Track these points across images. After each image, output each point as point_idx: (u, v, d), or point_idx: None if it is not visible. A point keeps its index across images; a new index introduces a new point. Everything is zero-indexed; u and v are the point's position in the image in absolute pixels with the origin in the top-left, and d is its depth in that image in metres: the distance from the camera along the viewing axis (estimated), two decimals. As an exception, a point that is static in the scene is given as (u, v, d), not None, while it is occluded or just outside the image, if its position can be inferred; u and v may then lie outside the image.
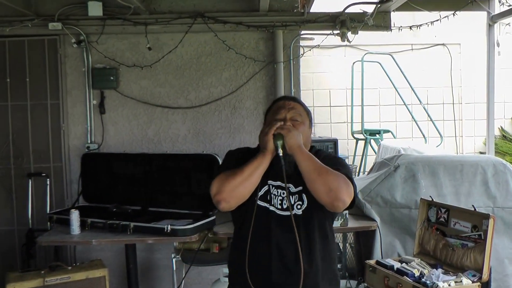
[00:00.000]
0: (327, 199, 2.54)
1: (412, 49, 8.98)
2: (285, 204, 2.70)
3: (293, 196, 2.71)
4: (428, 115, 8.32)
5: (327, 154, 2.86)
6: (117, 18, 5.70)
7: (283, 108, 2.82)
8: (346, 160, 8.16)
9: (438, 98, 9.05)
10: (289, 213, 2.64)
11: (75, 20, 5.70)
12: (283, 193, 2.71)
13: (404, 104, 8.27)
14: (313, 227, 2.69)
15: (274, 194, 2.73)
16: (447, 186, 4.69)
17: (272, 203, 2.72)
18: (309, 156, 2.61)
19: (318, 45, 6.40)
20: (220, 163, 3.01)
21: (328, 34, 5.95)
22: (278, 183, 2.73)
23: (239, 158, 2.76)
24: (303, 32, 6.15)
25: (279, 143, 2.61)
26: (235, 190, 2.61)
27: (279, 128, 2.66)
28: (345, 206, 2.56)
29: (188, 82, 5.94)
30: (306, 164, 2.58)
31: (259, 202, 2.71)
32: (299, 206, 2.70)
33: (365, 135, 8.14)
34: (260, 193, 2.71)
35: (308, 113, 2.90)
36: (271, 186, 2.74)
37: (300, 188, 2.70)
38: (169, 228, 4.40)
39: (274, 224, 2.68)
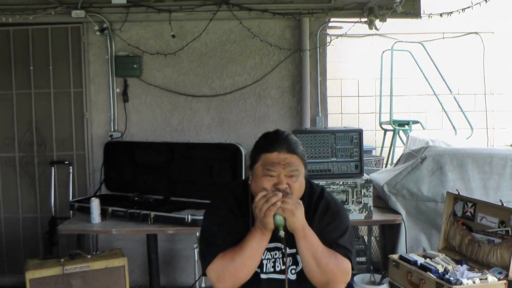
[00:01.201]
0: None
1: (443, 38, 8.78)
2: (277, 266, 2.52)
3: (286, 257, 2.51)
4: (459, 106, 8.12)
5: (325, 209, 2.57)
6: (141, 6, 5.66)
7: (278, 164, 2.46)
8: (373, 152, 8.06)
9: (470, 89, 8.84)
10: (281, 277, 2.49)
11: (98, 7, 5.66)
12: (275, 254, 2.53)
13: (435, 94, 8.09)
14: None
15: (268, 259, 2.54)
16: (475, 180, 4.56)
17: (264, 270, 2.53)
18: (310, 242, 2.39)
19: (345, 33, 6.27)
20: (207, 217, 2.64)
21: (355, 22, 5.82)
22: (273, 244, 2.51)
23: (227, 219, 2.53)
24: (331, 20, 6.01)
25: (281, 224, 2.35)
26: (237, 277, 2.43)
27: (281, 208, 2.34)
28: None
29: (212, 70, 5.87)
30: (305, 251, 2.39)
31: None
32: (293, 271, 2.52)
33: (393, 126, 7.99)
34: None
35: (302, 157, 2.54)
36: (265, 251, 2.51)
37: (294, 250, 2.47)
38: (189, 218, 4.39)
39: None
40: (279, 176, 2.44)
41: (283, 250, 2.48)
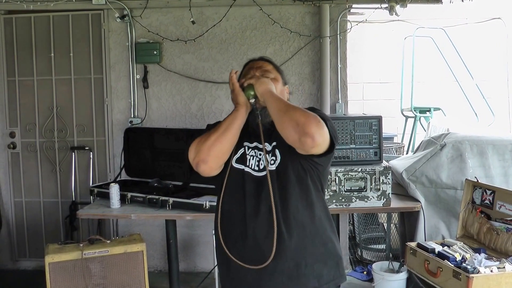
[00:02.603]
0: (294, 135, 2.37)
1: (466, 23, 8.67)
2: (261, 164, 2.61)
3: (268, 154, 2.61)
4: (481, 93, 8.03)
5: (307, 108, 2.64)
6: (161, -8, 5.66)
7: (251, 68, 2.73)
8: (395, 139, 8.02)
9: (493, 75, 8.73)
10: (265, 174, 2.56)
11: (119, -6, 5.70)
12: (260, 154, 2.63)
13: (456, 81, 8.01)
14: (289, 182, 2.55)
15: (252, 155, 2.65)
16: (495, 167, 4.50)
17: (248, 164, 2.64)
18: (279, 97, 2.51)
19: (366, 19, 6.21)
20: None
21: (376, 8, 5.76)
22: (255, 144, 2.66)
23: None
24: (353, 6, 5.96)
25: (250, 93, 2.55)
26: (212, 148, 2.52)
27: (247, 79, 2.59)
28: (315, 144, 2.36)
29: (232, 57, 5.86)
30: (274, 105, 2.47)
31: (235, 165, 2.64)
32: (272, 162, 2.59)
33: (414, 112, 7.93)
34: (236, 156, 2.66)
35: (279, 70, 2.79)
36: (247, 147, 2.67)
37: (274, 143, 2.61)
38: (207, 205, 4.38)
39: (248, 186, 2.60)
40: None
41: (263, 147, 2.59)
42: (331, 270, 2.64)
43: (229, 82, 2.64)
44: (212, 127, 2.67)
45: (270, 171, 2.56)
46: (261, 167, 2.60)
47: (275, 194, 2.52)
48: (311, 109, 2.54)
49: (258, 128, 2.55)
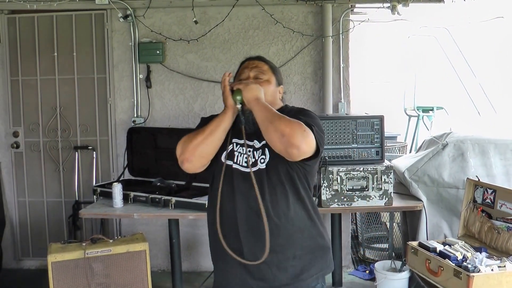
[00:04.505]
0: (280, 146, 2.49)
1: (470, 22, 8.66)
2: (250, 161, 2.69)
3: (257, 151, 2.70)
4: (484, 91, 8.02)
5: (295, 108, 2.83)
6: (164, -9, 5.67)
7: (246, 68, 2.84)
8: (398, 138, 8.01)
9: (496, 73, 8.72)
10: (253, 170, 2.65)
11: (122, -6, 5.70)
12: (249, 151, 2.71)
13: (460, 80, 8.01)
14: (278, 180, 2.65)
15: (240, 152, 2.73)
16: (497, 166, 4.53)
17: (236, 161, 2.72)
18: (264, 106, 2.59)
19: (368, 18, 6.20)
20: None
21: (378, 7, 5.76)
22: (242, 141, 2.72)
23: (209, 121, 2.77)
24: (357, 5, 5.95)
25: (238, 98, 2.63)
26: (197, 149, 2.63)
27: (237, 83, 2.69)
28: (301, 153, 2.49)
29: (235, 56, 5.85)
30: (260, 114, 2.56)
31: (224, 161, 2.73)
32: (262, 160, 2.67)
33: (417, 112, 7.93)
34: (226, 152, 2.74)
35: (274, 70, 2.89)
36: (235, 144, 2.75)
37: (263, 142, 2.66)
38: (210, 204, 4.38)
39: (237, 182, 2.69)
40: (247, 78, 2.80)
41: (245, 145, 2.69)
42: (320, 262, 2.76)
43: (221, 83, 2.73)
44: (204, 123, 2.78)
45: (260, 169, 2.66)
46: (250, 163, 2.67)
47: (265, 191, 2.62)
48: (300, 111, 2.70)
49: (244, 131, 2.65)
